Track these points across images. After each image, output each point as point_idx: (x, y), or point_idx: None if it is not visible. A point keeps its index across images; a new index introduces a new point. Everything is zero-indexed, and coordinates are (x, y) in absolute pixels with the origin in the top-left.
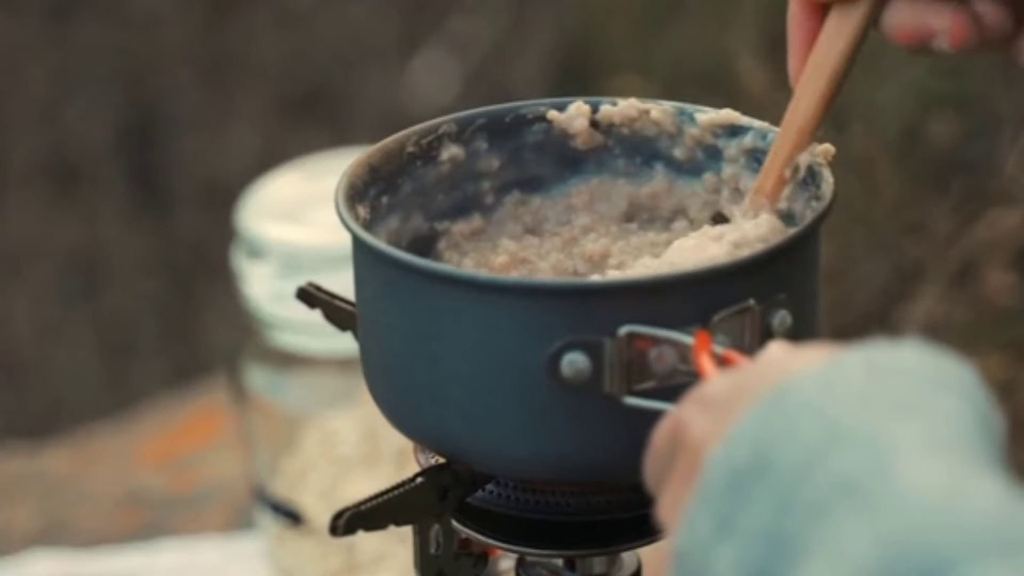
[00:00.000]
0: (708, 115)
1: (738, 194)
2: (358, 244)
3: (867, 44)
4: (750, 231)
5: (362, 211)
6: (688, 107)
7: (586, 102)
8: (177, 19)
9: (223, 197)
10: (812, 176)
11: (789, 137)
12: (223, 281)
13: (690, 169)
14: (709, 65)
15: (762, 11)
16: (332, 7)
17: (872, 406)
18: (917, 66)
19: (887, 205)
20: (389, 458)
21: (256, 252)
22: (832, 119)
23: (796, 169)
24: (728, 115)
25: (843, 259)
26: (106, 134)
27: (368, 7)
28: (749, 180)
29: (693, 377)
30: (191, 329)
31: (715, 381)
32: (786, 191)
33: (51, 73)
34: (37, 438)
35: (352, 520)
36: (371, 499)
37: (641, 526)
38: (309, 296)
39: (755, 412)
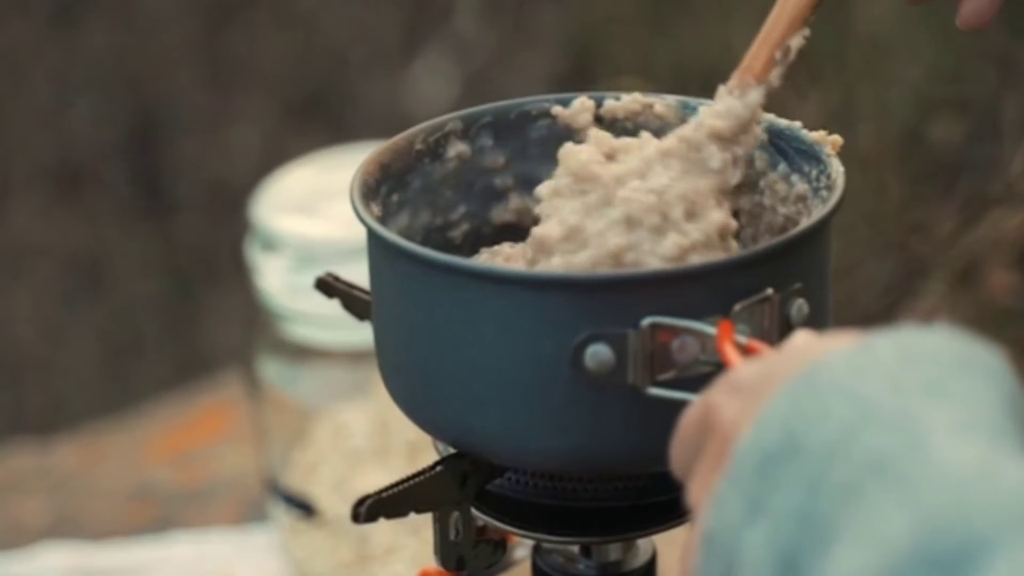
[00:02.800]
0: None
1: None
2: (376, 241)
3: (869, 49)
4: (737, 105)
5: (375, 208)
6: (692, 100)
7: (590, 97)
8: (180, 22)
9: (226, 199)
10: (822, 168)
11: (783, 18)
12: (225, 282)
13: None
14: (711, 66)
15: (765, 10)
16: (334, 10)
17: (903, 388)
18: (918, 70)
19: (892, 205)
20: (400, 450)
21: (270, 245)
22: (838, 119)
23: (787, 51)
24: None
25: (848, 258)
26: (110, 136)
27: (370, 10)
28: None
29: (714, 367)
30: (193, 330)
31: (745, 366)
32: (775, 72)
33: (55, 75)
34: (42, 435)
35: (374, 507)
36: (392, 487)
37: (656, 513)
38: (327, 286)
39: (785, 394)
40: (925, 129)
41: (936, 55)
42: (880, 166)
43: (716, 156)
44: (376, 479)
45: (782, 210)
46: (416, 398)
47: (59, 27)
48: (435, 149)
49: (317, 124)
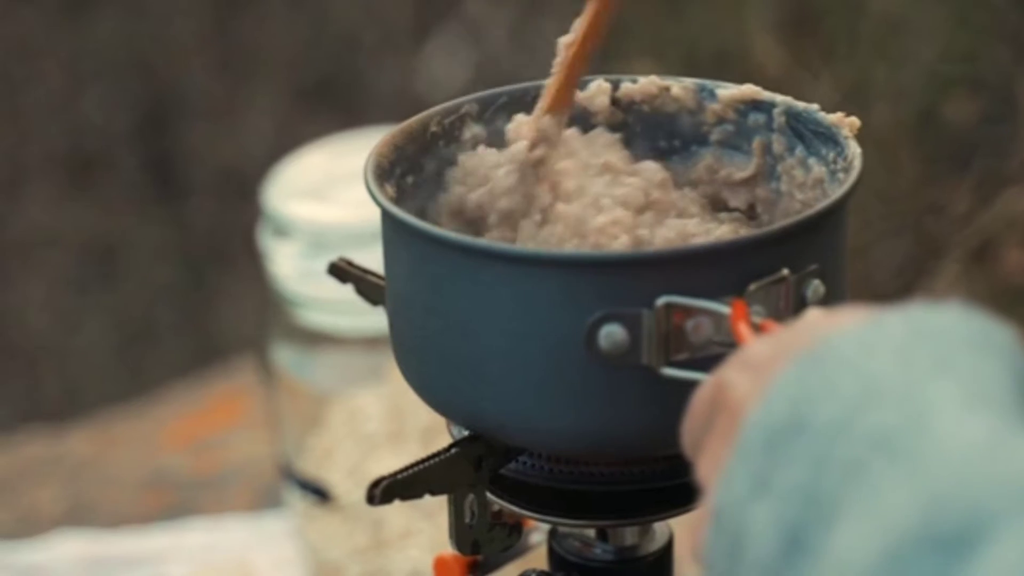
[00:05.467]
0: (729, 91)
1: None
2: (390, 221)
3: (883, 29)
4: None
5: (389, 190)
6: (709, 83)
7: (607, 80)
8: (191, 8)
9: (238, 185)
10: (839, 151)
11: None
12: (238, 268)
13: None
14: (725, 46)
15: None
16: None
17: (910, 364)
18: (933, 49)
19: (906, 184)
20: (415, 435)
21: (282, 231)
22: (853, 100)
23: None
24: (750, 90)
25: (863, 237)
26: (122, 123)
27: None
28: None
29: (728, 347)
30: (207, 316)
31: (757, 344)
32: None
33: (67, 63)
34: (56, 423)
35: (389, 489)
36: (407, 468)
37: (673, 496)
38: (340, 271)
39: (793, 370)
40: (940, 109)
41: (950, 34)
42: (895, 146)
43: None
44: (390, 464)
45: (799, 196)
46: (430, 380)
47: (70, 15)
48: (450, 131)
49: (329, 109)
